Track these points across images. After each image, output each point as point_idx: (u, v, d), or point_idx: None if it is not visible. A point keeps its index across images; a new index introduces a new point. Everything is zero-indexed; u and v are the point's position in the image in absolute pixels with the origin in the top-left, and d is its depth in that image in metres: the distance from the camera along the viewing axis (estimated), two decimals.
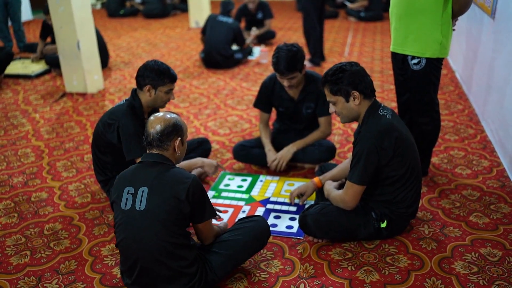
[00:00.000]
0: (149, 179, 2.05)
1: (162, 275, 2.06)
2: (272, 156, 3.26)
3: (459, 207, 2.82)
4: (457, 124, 3.96)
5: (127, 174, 2.14)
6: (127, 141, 2.72)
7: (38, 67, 6.08)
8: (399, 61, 3.01)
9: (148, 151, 2.14)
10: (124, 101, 2.85)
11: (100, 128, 2.83)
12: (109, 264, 2.46)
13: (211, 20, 6.01)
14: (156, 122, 2.10)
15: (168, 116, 2.14)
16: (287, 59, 3.02)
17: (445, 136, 3.75)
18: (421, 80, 2.91)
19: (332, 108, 2.49)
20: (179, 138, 2.14)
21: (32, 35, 8.28)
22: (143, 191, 2.04)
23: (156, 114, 2.16)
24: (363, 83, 2.37)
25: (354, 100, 2.39)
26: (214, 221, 2.45)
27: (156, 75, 2.72)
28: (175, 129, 2.12)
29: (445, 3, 2.75)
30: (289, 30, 8.15)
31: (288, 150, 3.24)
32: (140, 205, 2.03)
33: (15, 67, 6.13)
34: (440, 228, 2.64)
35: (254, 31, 6.78)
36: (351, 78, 2.36)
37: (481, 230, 2.61)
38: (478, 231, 2.60)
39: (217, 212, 2.51)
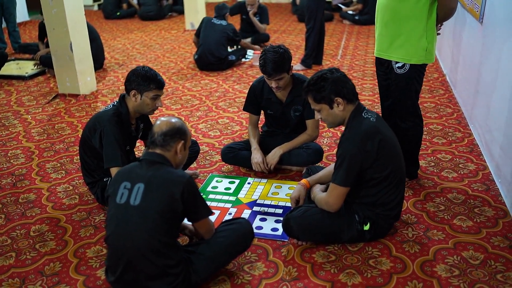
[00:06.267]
0: (146, 176, 2.10)
1: (146, 272, 2.08)
2: (257, 155, 3.27)
3: (444, 210, 2.84)
4: (445, 128, 3.98)
5: (126, 170, 2.20)
6: (107, 150, 2.75)
7: (32, 68, 6.09)
8: (383, 65, 3.03)
9: (150, 150, 2.19)
10: (111, 105, 2.87)
11: (86, 132, 2.85)
12: (94, 266, 2.47)
13: (205, 22, 6.03)
14: (162, 123, 2.20)
15: (174, 120, 2.24)
16: (274, 60, 3.04)
17: (433, 140, 3.77)
18: (403, 85, 2.93)
19: (317, 115, 2.52)
20: (182, 141, 2.22)
21: (28, 36, 8.30)
22: (139, 187, 2.09)
23: (163, 117, 2.25)
24: (345, 88, 2.40)
25: (338, 106, 2.42)
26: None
27: (142, 80, 2.76)
28: (179, 132, 2.21)
29: (430, 10, 2.77)
30: (284, 33, 8.16)
31: (275, 153, 3.26)
32: (135, 200, 2.07)
33: (9, 68, 6.15)
34: (424, 231, 2.66)
35: (249, 40, 6.83)
36: (333, 85, 2.39)
37: (464, 233, 2.63)
38: (462, 234, 2.62)
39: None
